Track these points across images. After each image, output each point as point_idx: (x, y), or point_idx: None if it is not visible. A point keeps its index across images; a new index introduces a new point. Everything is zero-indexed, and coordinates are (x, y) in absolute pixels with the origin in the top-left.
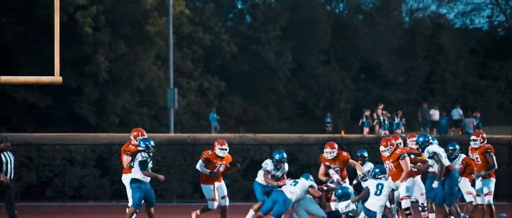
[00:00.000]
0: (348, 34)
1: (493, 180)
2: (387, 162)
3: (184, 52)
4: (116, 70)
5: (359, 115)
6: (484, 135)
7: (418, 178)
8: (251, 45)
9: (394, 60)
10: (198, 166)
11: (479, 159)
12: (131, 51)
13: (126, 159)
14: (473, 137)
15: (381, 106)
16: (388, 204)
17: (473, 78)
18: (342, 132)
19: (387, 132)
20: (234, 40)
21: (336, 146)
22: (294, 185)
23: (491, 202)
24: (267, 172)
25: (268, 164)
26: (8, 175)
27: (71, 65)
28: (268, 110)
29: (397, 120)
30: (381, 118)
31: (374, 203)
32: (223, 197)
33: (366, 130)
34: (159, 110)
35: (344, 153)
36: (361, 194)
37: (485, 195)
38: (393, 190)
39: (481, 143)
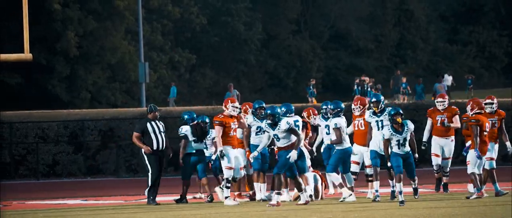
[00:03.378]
0: (317, 3)
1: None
2: (357, 119)
3: (154, 26)
4: (87, 46)
5: (331, 83)
6: None
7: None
8: (221, 17)
9: (364, 28)
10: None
11: None
12: (101, 27)
13: (218, 129)
14: None
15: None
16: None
17: (444, 43)
18: (315, 101)
19: None
20: (203, 12)
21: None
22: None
23: None
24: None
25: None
26: (160, 143)
27: (41, 42)
28: (239, 81)
29: (377, 86)
30: (366, 85)
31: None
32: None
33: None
34: (130, 85)
35: None
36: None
37: None
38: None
39: None
